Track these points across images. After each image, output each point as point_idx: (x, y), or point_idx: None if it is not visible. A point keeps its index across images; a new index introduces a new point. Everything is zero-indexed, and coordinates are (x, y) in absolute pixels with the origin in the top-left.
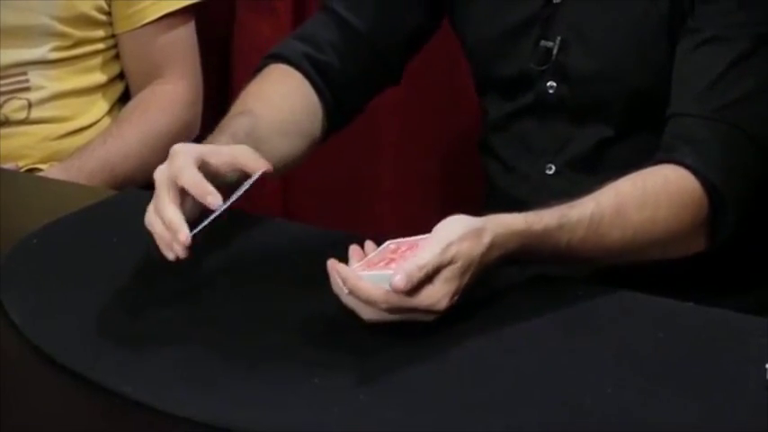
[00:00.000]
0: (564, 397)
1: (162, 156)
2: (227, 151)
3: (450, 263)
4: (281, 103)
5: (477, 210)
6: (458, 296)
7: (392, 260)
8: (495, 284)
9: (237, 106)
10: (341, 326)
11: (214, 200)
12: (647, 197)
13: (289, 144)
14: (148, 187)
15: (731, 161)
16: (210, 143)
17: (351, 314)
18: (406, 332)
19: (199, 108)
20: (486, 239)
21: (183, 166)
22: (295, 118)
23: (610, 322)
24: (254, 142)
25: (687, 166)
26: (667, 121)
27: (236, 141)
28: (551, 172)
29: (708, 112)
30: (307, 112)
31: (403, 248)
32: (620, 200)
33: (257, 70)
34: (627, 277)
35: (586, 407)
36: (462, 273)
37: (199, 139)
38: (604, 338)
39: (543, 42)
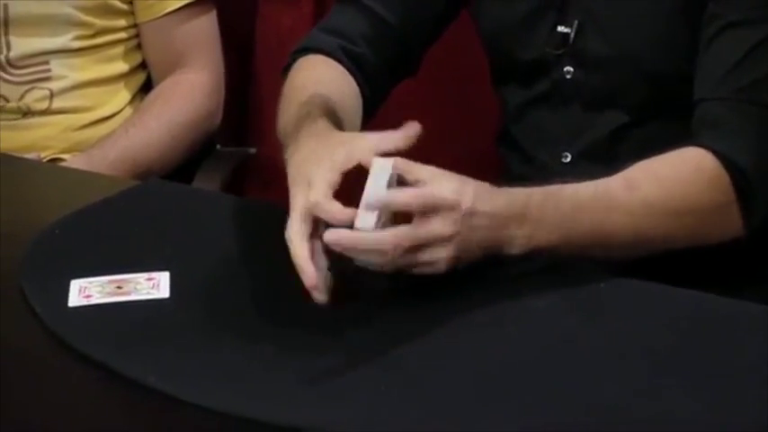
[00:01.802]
0: (579, 387)
1: (184, 145)
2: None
3: (457, 206)
4: (339, 87)
5: None
6: (460, 248)
7: None
8: (510, 273)
9: (301, 92)
10: (357, 319)
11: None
12: (661, 174)
13: (352, 128)
14: (171, 177)
15: (757, 140)
16: (303, 125)
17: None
18: (418, 324)
19: (221, 98)
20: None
21: (321, 201)
22: (351, 102)
23: (627, 313)
24: (337, 121)
25: (708, 148)
26: (694, 109)
27: (331, 118)
28: (567, 161)
29: (730, 93)
30: (354, 97)
31: None
32: (629, 175)
33: (287, 65)
34: (647, 268)
35: (601, 397)
36: (465, 186)
37: (220, 129)
38: (622, 329)
39: (560, 27)
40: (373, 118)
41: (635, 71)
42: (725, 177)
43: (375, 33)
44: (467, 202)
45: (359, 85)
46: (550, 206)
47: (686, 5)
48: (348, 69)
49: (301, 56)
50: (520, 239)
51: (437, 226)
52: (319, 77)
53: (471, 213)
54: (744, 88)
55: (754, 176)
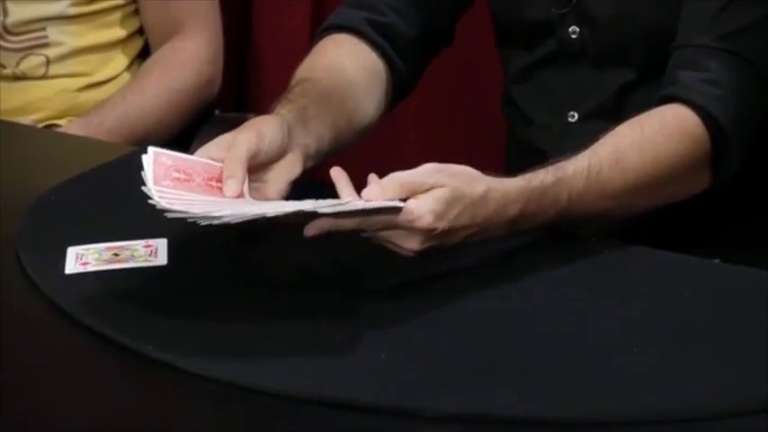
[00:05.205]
0: (590, 357)
1: (182, 113)
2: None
3: (439, 185)
4: (340, 65)
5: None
6: (445, 236)
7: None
8: (521, 244)
9: (297, 76)
10: (362, 284)
11: (231, 187)
12: (645, 141)
13: (357, 106)
14: (169, 143)
15: (733, 90)
16: (277, 113)
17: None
18: (427, 291)
19: (219, 65)
20: (481, 188)
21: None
22: (358, 80)
23: (638, 281)
24: (322, 106)
25: (685, 102)
26: (672, 54)
27: (304, 109)
28: (574, 120)
29: (709, 41)
30: (368, 73)
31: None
32: (618, 148)
33: (314, 43)
34: (653, 235)
35: (613, 367)
36: (451, 203)
37: (219, 94)
38: (632, 297)
39: None
40: (413, 89)
41: (636, 30)
42: (705, 134)
43: (403, 3)
44: (444, 224)
45: (387, 58)
46: (549, 204)
47: None
48: (374, 43)
49: (326, 35)
50: (506, 231)
51: (404, 242)
52: (318, 63)
53: (446, 233)
54: (725, 37)
55: (730, 130)
